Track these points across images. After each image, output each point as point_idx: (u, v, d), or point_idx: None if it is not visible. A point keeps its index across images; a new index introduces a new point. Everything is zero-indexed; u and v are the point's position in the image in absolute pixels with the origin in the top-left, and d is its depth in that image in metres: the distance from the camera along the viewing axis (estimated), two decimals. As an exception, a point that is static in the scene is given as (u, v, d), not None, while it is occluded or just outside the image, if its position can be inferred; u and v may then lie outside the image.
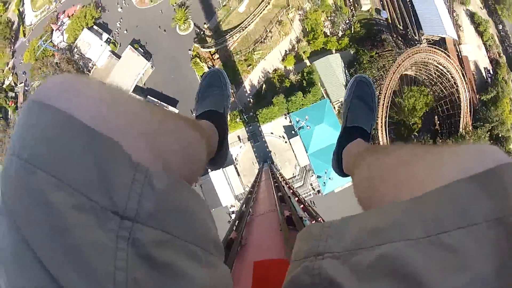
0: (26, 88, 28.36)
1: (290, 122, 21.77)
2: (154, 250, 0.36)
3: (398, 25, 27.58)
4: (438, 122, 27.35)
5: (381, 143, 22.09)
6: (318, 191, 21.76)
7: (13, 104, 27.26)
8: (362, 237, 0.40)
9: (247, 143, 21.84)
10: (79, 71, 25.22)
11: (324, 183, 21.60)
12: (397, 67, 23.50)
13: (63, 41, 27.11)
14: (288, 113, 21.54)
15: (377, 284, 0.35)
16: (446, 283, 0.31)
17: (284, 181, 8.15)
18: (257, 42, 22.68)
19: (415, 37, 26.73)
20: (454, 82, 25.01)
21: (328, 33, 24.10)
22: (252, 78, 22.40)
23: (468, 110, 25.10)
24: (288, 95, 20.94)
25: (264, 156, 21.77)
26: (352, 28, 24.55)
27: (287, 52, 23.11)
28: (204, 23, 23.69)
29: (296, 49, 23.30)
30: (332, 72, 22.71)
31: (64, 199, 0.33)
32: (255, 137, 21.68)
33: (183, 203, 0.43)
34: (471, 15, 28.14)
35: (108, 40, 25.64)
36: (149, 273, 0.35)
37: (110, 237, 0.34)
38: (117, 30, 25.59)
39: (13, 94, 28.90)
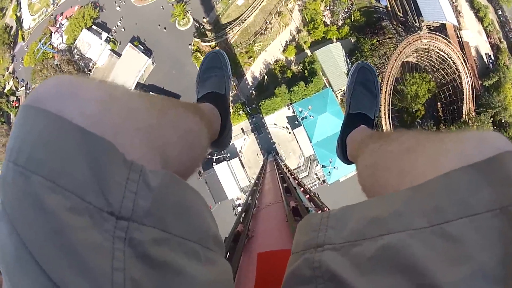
0: (27, 91, 28.50)
1: (293, 112, 21.79)
2: (151, 249, 0.36)
3: (398, 12, 27.47)
4: (441, 108, 27.27)
5: (384, 130, 22.14)
6: (323, 181, 21.79)
7: (17, 104, 27.40)
8: (363, 227, 0.39)
9: (251, 135, 21.89)
10: (80, 71, 25.29)
11: (329, 172, 21.64)
12: (399, 54, 23.43)
13: (63, 42, 27.18)
14: (291, 104, 21.55)
15: (380, 276, 0.34)
16: (450, 275, 0.31)
17: (289, 172, 8.14)
18: (257, 34, 22.70)
19: (415, 24, 26.61)
20: (456, 68, 24.89)
21: (328, 23, 24.03)
22: (253, 70, 22.42)
23: (471, 96, 24.99)
24: (290, 86, 20.95)
25: (268, 147, 21.82)
26: (352, 17, 24.49)
27: (288, 43, 23.10)
28: (203, 18, 23.70)
29: (296, 39, 23.27)
30: (333, 61, 22.69)
31: (59, 202, 0.33)
32: (259, 129, 21.73)
33: (180, 200, 0.43)
34: (471, 1, 27.74)
35: (108, 39, 25.68)
36: (147, 273, 0.35)
37: (106, 237, 0.34)
38: (115, 28, 25.56)
39: (15, 98, 29.04)
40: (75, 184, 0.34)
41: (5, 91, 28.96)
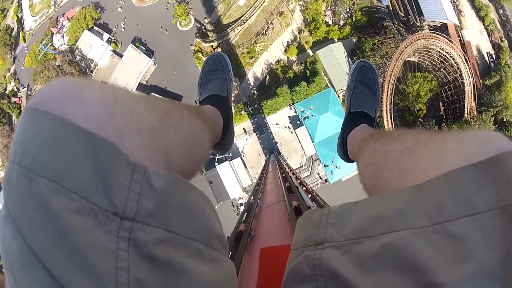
0: (29, 92, 28.66)
1: (295, 112, 21.79)
2: (155, 249, 0.37)
3: (399, 12, 27.39)
4: (443, 107, 27.22)
5: (386, 129, 22.13)
6: (326, 180, 21.79)
7: (20, 102, 27.57)
8: (365, 225, 0.39)
9: (253, 135, 21.91)
10: (81, 72, 25.46)
11: (331, 172, 21.65)
12: (400, 54, 23.39)
13: (64, 43, 27.33)
14: (293, 104, 21.55)
15: (382, 275, 0.34)
16: (452, 274, 0.31)
17: (291, 171, 8.14)
18: (258, 34, 22.72)
19: (417, 24, 26.53)
20: (458, 68, 24.86)
21: (330, 22, 23.99)
22: (255, 70, 22.44)
23: (472, 95, 24.94)
24: (292, 86, 20.97)
25: (270, 147, 21.84)
26: (353, 17, 24.46)
27: (289, 43, 23.09)
28: (205, 18, 23.74)
29: (298, 39, 23.26)
30: (335, 61, 22.67)
31: (64, 204, 0.33)
32: (261, 129, 21.75)
33: (185, 201, 0.43)
34: (472, 0, 27.68)
35: (109, 39, 25.80)
36: (151, 272, 0.35)
37: (111, 238, 0.35)
38: (115, 28, 25.70)
39: (17, 100, 29.22)
40: (80, 185, 0.35)
41: (7, 92, 29.13)
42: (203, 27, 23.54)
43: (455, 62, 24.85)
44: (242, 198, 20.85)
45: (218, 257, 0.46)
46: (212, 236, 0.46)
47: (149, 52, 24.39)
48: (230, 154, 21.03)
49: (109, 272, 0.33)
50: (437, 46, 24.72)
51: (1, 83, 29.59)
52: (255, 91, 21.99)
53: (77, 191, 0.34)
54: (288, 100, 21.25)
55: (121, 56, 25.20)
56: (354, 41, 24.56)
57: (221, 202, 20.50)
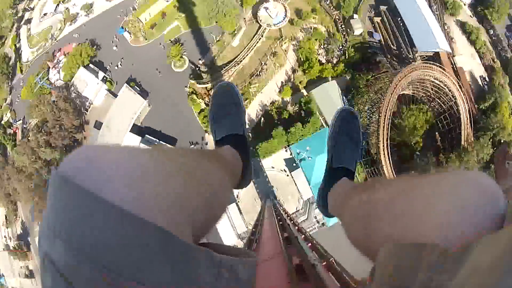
0: (24, 126, 28.59)
1: (291, 154, 21.75)
2: None
3: (392, 46, 28.02)
4: (439, 138, 27.38)
5: (384, 166, 22.02)
6: (323, 224, 21.50)
7: (16, 131, 27.42)
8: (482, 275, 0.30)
9: (248, 179, 21.81)
10: (76, 109, 25.57)
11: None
12: (394, 88, 23.65)
13: (60, 79, 27.57)
14: (289, 146, 21.56)
15: None
16: None
17: (289, 218, 7.88)
18: (252, 76, 22.95)
19: (409, 56, 27.11)
20: (452, 95, 25.14)
21: (323, 61, 24.37)
22: (249, 112, 22.44)
23: (468, 121, 25.08)
24: (287, 127, 21.00)
25: (266, 191, 21.61)
26: (346, 54, 24.91)
27: (284, 84, 23.31)
28: (199, 59, 24.11)
29: (292, 79, 23.54)
30: (329, 100, 22.88)
31: None
32: (256, 173, 21.56)
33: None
34: (462, 25, 28.61)
35: (104, 78, 26.08)
36: None
37: None
38: (109, 66, 25.99)
39: (13, 129, 29.10)
40: (158, 283, 0.34)
41: (2, 122, 29.04)
42: (197, 69, 23.84)
43: (450, 90, 24.97)
44: (237, 246, 20.39)
45: None
46: None
47: (143, 93, 24.57)
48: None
49: None
50: (430, 76, 25.08)
51: (-2, 113, 29.41)
52: (249, 134, 21.98)
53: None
54: (283, 142, 21.25)
55: (115, 95, 25.35)
56: (348, 78, 24.89)
57: (217, 250, 20.04)
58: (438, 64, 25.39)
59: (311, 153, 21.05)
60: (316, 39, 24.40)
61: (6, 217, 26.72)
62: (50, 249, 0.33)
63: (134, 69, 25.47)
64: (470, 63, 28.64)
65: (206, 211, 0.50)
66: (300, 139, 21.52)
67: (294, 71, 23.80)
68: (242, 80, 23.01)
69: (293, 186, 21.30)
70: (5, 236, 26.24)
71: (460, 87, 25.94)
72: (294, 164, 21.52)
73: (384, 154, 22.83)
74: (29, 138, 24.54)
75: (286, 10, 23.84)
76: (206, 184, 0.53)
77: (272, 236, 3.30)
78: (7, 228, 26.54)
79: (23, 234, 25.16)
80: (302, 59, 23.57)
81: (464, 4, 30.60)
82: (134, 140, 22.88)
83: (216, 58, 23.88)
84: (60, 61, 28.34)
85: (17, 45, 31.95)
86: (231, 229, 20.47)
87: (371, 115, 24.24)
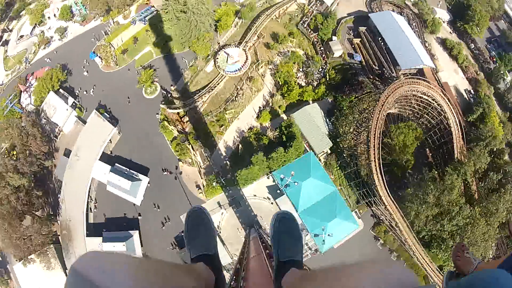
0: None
1: (274, 181, 20.42)
2: None
3: (373, 66, 28.14)
4: (431, 154, 26.83)
5: (378, 187, 20.98)
6: (316, 250, 19.84)
7: None
8: None
9: (229, 209, 20.11)
10: (45, 135, 24.38)
11: (323, 241, 19.85)
12: (382, 105, 23.15)
13: (31, 103, 26.49)
14: (270, 172, 20.34)
15: None
16: None
17: None
18: (228, 101, 22.10)
19: (393, 74, 27.23)
20: (442, 110, 24.83)
21: (303, 84, 23.95)
22: (226, 139, 21.41)
23: (460, 133, 24.48)
24: (268, 153, 19.88)
25: (249, 221, 19.96)
26: (327, 76, 24.68)
27: (261, 109, 22.59)
28: (171, 85, 23.28)
29: (270, 104, 22.73)
30: (312, 123, 22.13)
31: None
32: (237, 202, 19.99)
33: None
34: (443, 42, 29.64)
35: (74, 104, 25.09)
36: None
37: None
38: (78, 91, 24.89)
39: None
40: None
41: None
42: (169, 95, 22.85)
43: (438, 104, 24.44)
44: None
45: None
46: None
47: (113, 120, 23.41)
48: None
49: None
50: (418, 91, 24.78)
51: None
52: (227, 161, 20.68)
53: None
54: (264, 168, 20.01)
55: (85, 122, 24.06)
56: (330, 100, 24.44)
57: None
58: (424, 79, 25.54)
59: (296, 179, 19.82)
60: (294, 62, 24.22)
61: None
62: None
63: (104, 96, 24.46)
64: (454, 77, 29.05)
65: None
66: (283, 165, 20.37)
67: (272, 95, 23.22)
68: (217, 106, 22.06)
69: (278, 216, 19.67)
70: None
71: (449, 100, 25.97)
72: (278, 191, 20.16)
73: (377, 173, 21.83)
74: (-2, 162, 23.00)
75: (247, 59, 22.92)
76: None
77: (262, 273, 3.03)
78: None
79: (2, 261, 22.83)
80: (280, 83, 23.05)
81: (443, 22, 31.81)
82: (104, 169, 21.35)
83: (189, 83, 23.14)
84: (31, 85, 27.41)
85: (-7, 68, 31.12)
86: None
87: (357, 136, 23.57)
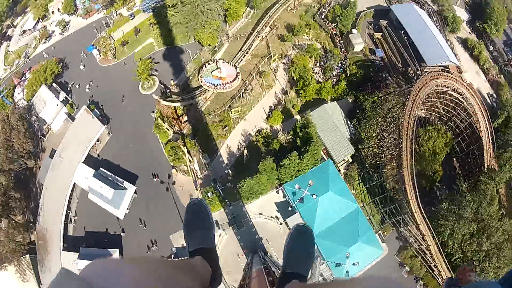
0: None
1: (284, 197, 14.90)
2: None
3: (397, 63, 22.70)
4: (458, 164, 21.20)
5: (410, 202, 15.58)
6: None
7: None
8: None
9: (228, 230, 14.61)
10: (30, 132, 19.63)
11: (347, 272, 14.24)
12: (414, 100, 17.73)
13: (23, 98, 22.00)
14: (280, 185, 14.78)
15: None
16: None
17: None
18: (234, 98, 16.72)
19: (417, 71, 21.64)
20: (471, 111, 19.30)
21: (320, 80, 18.38)
22: (230, 144, 16.00)
23: (490, 138, 19.49)
24: (279, 161, 14.35)
25: (253, 245, 14.43)
26: (347, 71, 19.11)
27: (272, 108, 17.12)
28: (171, 80, 18.12)
29: (283, 102, 17.37)
30: (331, 124, 16.49)
31: None
32: (238, 221, 14.49)
33: None
34: (463, 41, 24.73)
35: (66, 100, 20.35)
36: None
37: None
38: (71, 86, 20.12)
39: None
40: None
41: None
42: (168, 91, 17.58)
43: (468, 104, 19.23)
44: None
45: None
46: None
47: (104, 118, 18.46)
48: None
49: None
50: (448, 87, 19.00)
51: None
52: (229, 171, 15.25)
53: None
54: (274, 179, 14.48)
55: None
56: (350, 101, 18.88)
57: None
58: (454, 75, 20.04)
59: (312, 192, 14.18)
60: (311, 56, 18.68)
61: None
62: None
63: (98, 91, 19.57)
64: (476, 80, 24.00)
65: None
66: (296, 176, 14.81)
67: (285, 93, 17.73)
68: (221, 104, 16.70)
69: (289, 241, 13.85)
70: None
71: (479, 99, 20.56)
72: (290, 208, 14.65)
73: (409, 184, 16.34)
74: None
75: (237, 76, 16.26)
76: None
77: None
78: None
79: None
80: (295, 78, 17.59)
81: (463, 21, 26.49)
82: (86, 173, 16.49)
83: (191, 78, 17.85)
84: (26, 78, 23.13)
85: (-5, 61, 27.00)
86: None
87: (383, 142, 17.78)
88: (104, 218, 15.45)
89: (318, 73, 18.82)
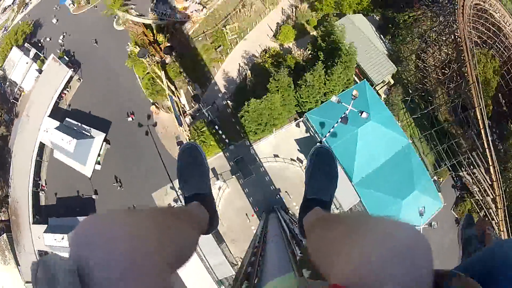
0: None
1: (307, 131, 9.31)
2: None
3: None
4: (504, 100, 15.24)
5: (482, 131, 10.01)
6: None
7: None
8: None
9: (230, 181, 9.18)
10: (2, 98, 15.42)
11: None
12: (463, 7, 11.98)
13: None
14: (301, 115, 9.21)
15: None
16: None
17: None
18: (229, 16, 11.18)
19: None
20: None
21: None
22: (227, 69, 10.57)
23: None
24: (296, 79, 8.73)
25: (266, 200, 9.08)
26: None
27: (280, 24, 11.44)
28: (150, 8, 12.74)
29: (293, 18, 11.77)
30: (363, 38, 10.68)
31: None
32: (245, 168, 8.98)
33: None
34: None
35: (37, 56, 15.80)
36: None
37: None
38: (42, 40, 15.57)
39: None
40: None
41: None
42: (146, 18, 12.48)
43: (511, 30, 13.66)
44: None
45: None
46: None
47: (75, 65, 13.57)
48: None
49: None
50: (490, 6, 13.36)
51: None
52: (228, 101, 9.93)
53: None
54: (291, 105, 8.96)
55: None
56: (376, 18, 13.15)
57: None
58: None
59: (351, 119, 8.39)
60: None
61: None
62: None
63: (71, 40, 14.56)
64: None
65: (178, 254, 0.55)
66: (323, 101, 9.16)
67: (295, 8, 11.91)
68: (213, 25, 11.09)
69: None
70: None
71: None
72: (319, 144, 8.76)
73: (478, 103, 10.69)
74: None
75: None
76: (177, 237, 0.58)
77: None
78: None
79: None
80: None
81: None
82: (52, 125, 11.56)
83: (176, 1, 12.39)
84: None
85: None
86: (204, 273, 7.91)
87: (428, 61, 11.94)
88: (73, 178, 10.54)
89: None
